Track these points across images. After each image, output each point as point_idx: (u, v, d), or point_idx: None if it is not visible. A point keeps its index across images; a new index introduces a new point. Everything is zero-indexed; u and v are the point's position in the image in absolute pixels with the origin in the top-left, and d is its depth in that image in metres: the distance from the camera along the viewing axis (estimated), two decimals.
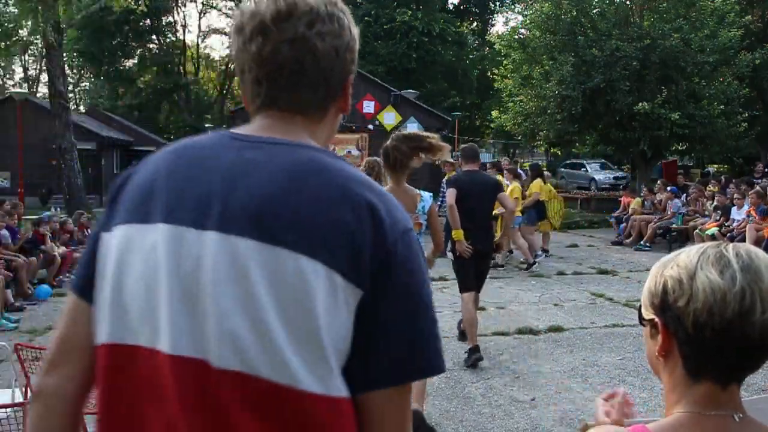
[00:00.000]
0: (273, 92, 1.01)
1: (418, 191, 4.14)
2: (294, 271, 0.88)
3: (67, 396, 1.00)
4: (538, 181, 11.13)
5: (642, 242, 12.85)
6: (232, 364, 0.88)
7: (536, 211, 11.06)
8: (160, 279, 0.92)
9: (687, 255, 1.00)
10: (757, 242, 10.02)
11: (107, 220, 1.02)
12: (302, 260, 0.89)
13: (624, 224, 13.85)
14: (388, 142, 3.85)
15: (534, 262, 10.26)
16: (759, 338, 0.93)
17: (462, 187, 5.37)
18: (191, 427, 0.89)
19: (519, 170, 10.80)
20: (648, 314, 1.03)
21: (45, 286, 8.69)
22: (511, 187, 9.92)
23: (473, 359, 5.35)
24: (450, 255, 5.39)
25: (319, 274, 0.88)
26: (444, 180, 5.85)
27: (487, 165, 10.48)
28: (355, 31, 1.06)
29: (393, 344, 0.92)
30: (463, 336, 5.93)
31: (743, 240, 10.20)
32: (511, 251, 10.93)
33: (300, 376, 0.87)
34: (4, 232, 8.63)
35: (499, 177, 9.78)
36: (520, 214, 10.28)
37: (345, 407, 0.91)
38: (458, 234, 5.15)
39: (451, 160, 9.44)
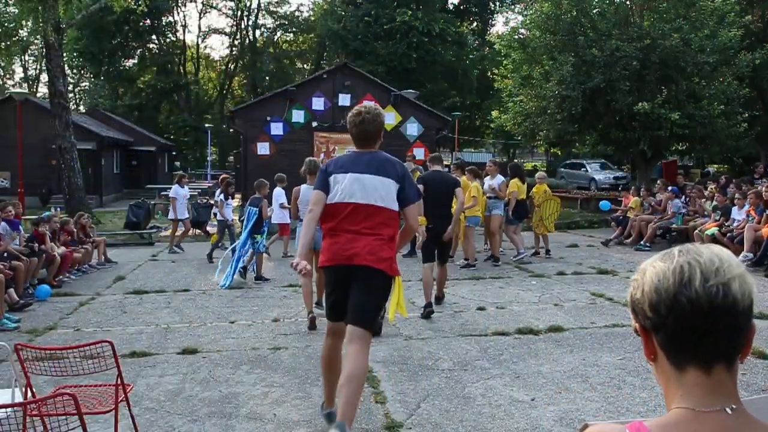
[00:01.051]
0: (361, 143, 4.06)
1: None
2: (387, 182, 3.96)
3: (318, 215, 3.93)
4: (515, 181, 11.24)
5: (642, 242, 12.84)
6: (377, 203, 3.91)
7: (516, 211, 11.23)
8: (354, 185, 3.92)
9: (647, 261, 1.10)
10: (757, 242, 10.01)
11: (332, 170, 3.99)
12: (387, 179, 3.96)
13: (619, 223, 13.87)
14: None
15: (471, 264, 10.59)
16: (708, 308, 0.99)
17: (429, 183, 7.28)
18: (366, 222, 3.90)
19: (479, 170, 11.24)
20: (633, 324, 1.11)
21: (45, 286, 8.67)
22: (470, 187, 10.12)
23: (426, 312, 7.05)
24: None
25: (393, 183, 3.97)
26: (416, 178, 7.22)
27: (451, 167, 10.95)
28: (382, 113, 4.10)
29: (404, 195, 4.00)
30: (436, 299, 7.33)
31: (743, 240, 10.19)
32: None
33: (389, 204, 3.94)
34: (3, 224, 8.61)
35: (463, 178, 10.06)
36: (478, 215, 10.59)
37: (398, 214, 4.01)
38: (422, 220, 6.70)
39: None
